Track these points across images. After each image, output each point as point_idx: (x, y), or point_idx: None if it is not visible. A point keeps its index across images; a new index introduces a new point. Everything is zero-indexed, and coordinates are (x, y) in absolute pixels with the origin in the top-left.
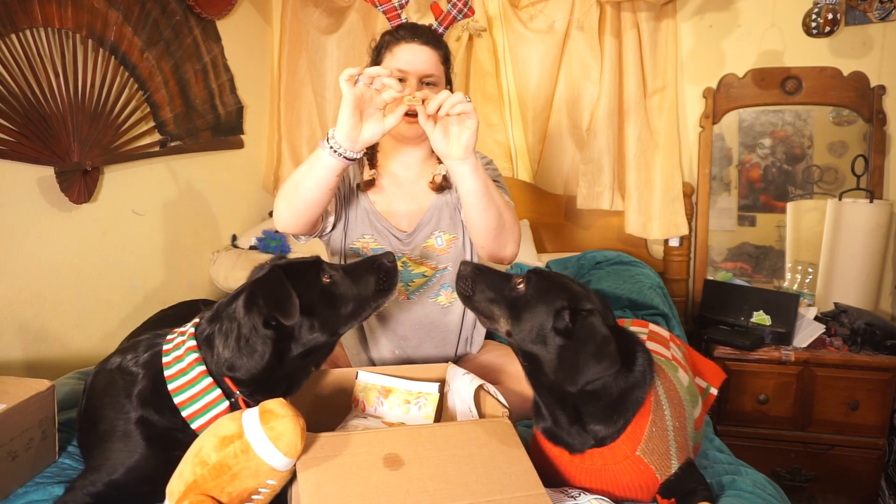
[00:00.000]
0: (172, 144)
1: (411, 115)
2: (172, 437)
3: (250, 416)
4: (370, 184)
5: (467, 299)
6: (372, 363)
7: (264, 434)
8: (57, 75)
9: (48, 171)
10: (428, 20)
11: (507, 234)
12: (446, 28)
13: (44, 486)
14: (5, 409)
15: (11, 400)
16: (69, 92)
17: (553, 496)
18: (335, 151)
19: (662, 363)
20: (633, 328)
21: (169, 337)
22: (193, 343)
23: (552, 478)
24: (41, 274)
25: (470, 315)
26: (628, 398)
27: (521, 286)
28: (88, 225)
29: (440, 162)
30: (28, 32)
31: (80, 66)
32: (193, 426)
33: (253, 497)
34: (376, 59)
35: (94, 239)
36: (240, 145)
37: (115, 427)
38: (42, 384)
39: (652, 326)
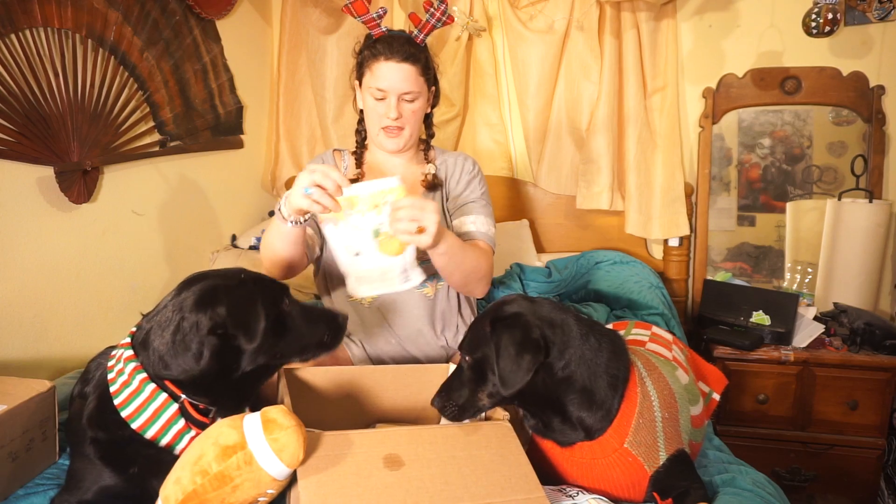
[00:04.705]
0: (172, 144)
1: (390, 129)
2: (124, 453)
3: (252, 425)
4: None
5: (459, 415)
6: (369, 357)
7: (268, 445)
8: (57, 75)
9: (48, 171)
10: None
11: (472, 284)
12: (427, 35)
13: (44, 487)
14: (6, 410)
15: (12, 401)
16: (69, 92)
17: (551, 496)
18: (289, 220)
19: (660, 363)
20: (636, 330)
21: (114, 353)
22: (131, 352)
23: (548, 472)
24: (41, 274)
25: (456, 303)
26: (600, 385)
27: (467, 358)
28: (88, 225)
29: (427, 161)
30: (28, 32)
31: (79, 66)
32: (147, 435)
33: None
34: (359, 73)
35: (93, 239)
36: (239, 145)
37: (77, 451)
38: (43, 385)
39: (655, 329)
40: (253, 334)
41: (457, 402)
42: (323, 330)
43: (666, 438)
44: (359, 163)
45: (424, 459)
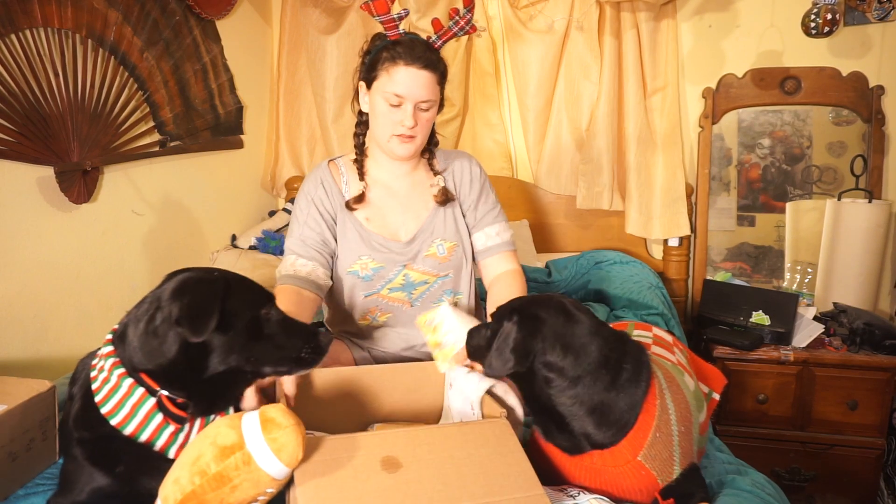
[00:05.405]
0: (172, 144)
1: (403, 136)
2: (108, 452)
3: (251, 424)
4: (360, 199)
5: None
6: (374, 360)
7: (267, 445)
8: (57, 75)
9: (48, 171)
10: (431, 16)
11: None
12: (444, 42)
13: (44, 487)
14: (6, 410)
15: (12, 401)
16: (69, 92)
17: (552, 495)
18: None
19: (669, 368)
20: (637, 331)
21: (99, 351)
22: (110, 348)
23: (551, 475)
24: (41, 274)
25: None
26: (615, 408)
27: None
28: (88, 225)
29: (435, 172)
30: (28, 32)
31: (79, 66)
32: (126, 432)
33: None
34: (370, 72)
35: (94, 239)
36: (239, 145)
37: (68, 453)
38: (42, 385)
39: (656, 330)
40: (197, 328)
41: (472, 346)
42: (301, 345)
43: (681, 453)
44: (361, 174)
45: (422, 460)
